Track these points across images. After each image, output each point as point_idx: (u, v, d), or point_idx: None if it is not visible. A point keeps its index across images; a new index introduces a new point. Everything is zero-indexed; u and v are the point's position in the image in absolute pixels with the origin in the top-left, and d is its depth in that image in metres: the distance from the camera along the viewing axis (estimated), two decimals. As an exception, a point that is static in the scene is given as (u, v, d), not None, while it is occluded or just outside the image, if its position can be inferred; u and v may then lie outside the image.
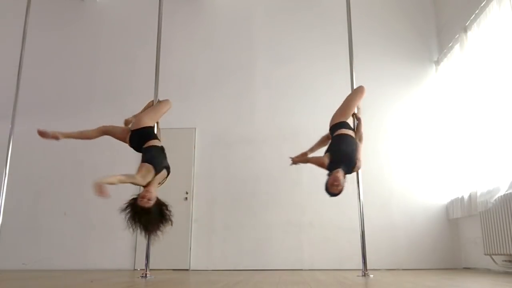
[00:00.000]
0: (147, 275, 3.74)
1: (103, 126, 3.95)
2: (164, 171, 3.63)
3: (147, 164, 3.51)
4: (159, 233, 3.47)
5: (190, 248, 5.71)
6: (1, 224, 4.39)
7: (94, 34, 6.76)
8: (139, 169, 3.49)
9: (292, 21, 6.52)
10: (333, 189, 3.45)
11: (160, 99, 4.25)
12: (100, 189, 3.13)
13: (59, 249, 5.85)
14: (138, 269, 5.57)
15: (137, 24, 6.70)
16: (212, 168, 6.03)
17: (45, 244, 5.88)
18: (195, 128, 6.16)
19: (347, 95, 4.19)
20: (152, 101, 4.26)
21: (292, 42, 6.42)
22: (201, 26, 6.63)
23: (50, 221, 5.96)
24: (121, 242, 5.77)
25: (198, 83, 6.39)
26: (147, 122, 3.84)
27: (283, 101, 6.20)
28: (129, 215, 3.38)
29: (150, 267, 3.91)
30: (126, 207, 3.40)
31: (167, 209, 3.49)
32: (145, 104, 4.30)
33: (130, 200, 3.44)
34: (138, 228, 3.42)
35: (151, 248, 3.97)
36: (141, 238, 3.92)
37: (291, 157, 4.12)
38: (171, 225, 3.51)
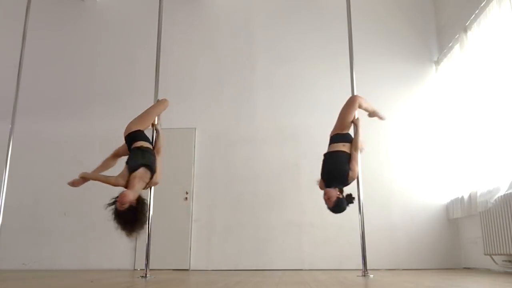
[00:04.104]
0: (147, 275, 3.73)
1: (114, 151, 3.91)
2: (143, 170, 3.54)
3: (125, 167, 3.55)
4: (134, 234, 3.43)
5: (190, 248, 5.71)
6: (1, 224, 4.39)
7: (94, 34, 6.76)
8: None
9: (292, 21, 6.52)
10: (328, 204, 3.68)
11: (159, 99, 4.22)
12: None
13: (59, 249, 5.85)
14: (138, 269, 5.57)
15: (137, 24, 6.70)
16: (212, 168, 6.03)
17: (45, 244, 5.88)
18: (195, 128, 6.16)
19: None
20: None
21: (292, 42, 6.42)
22: (201, 26, 6.63)
23: (50, 221, 5.96)
24: (121, 242, 5.72)
25: (198, 83, 6.39)
26: (132, 127, 3.77)
27: (283, 101, 6.20)
28: (112, 215, 3.38)
29: (150, 267, 3.90)
30: (108, 207, 3.40)
31: (141, 213, 3.43)
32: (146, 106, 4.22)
33: (110, 201, 3.42)
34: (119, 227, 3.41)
35: (151, 248, 3.97)
36: (141, 238, 3.92)
37: None
38: (142, 228, 3.48)
